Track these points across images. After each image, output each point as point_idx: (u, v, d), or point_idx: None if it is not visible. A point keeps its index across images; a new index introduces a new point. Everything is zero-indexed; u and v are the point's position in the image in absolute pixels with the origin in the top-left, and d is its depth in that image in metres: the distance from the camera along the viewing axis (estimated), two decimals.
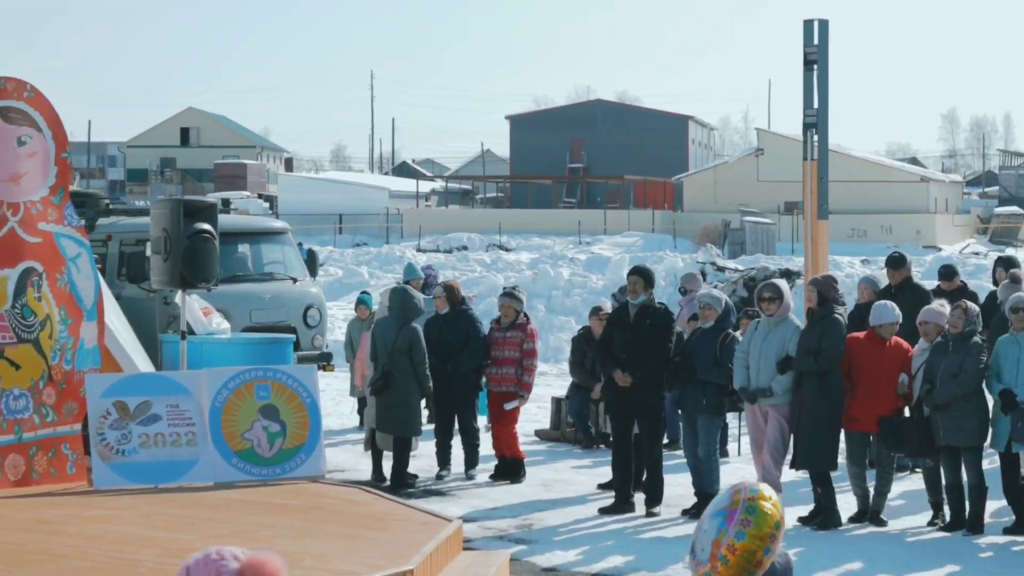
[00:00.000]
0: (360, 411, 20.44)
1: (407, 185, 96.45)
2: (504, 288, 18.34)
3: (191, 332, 15.74)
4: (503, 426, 16.88)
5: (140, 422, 13.52)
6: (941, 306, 14.66)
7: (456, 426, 17.11)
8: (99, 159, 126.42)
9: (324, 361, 21.04)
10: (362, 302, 19.46)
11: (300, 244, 22.98)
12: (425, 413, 17.80)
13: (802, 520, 14.47)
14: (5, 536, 11.41)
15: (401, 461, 16.27)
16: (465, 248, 59.53)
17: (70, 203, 13.86)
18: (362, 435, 18.64)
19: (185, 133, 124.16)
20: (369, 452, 17.11)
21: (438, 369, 16.57)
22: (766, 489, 5.14)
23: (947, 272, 18.84)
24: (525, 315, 17.22)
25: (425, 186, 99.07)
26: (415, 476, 16.47)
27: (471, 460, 16.92)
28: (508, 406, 16.82)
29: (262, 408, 13.88)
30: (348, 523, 12.00)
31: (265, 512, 12.43)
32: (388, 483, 16.20)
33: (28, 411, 13.30)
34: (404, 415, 16.10)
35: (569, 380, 19.78)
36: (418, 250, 57.86)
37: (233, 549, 4.47)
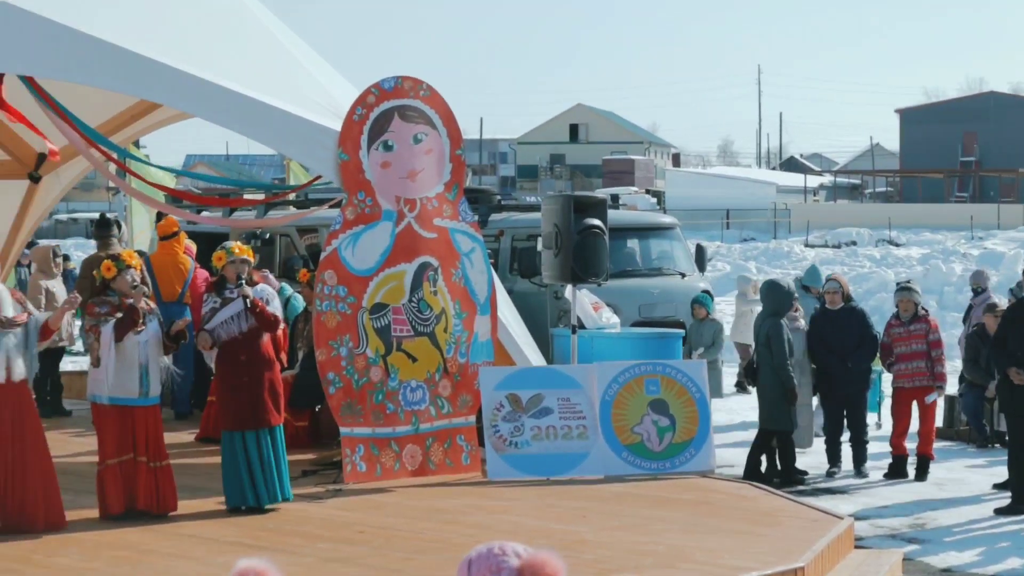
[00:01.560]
0: None
1: (795, 180, 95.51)
2: (898, 283, 17.98)
3: (581, 326, 15.87)
4: (923, 422, 16.59)
5: (532, 415, 13.73)
6: None
7: (846, 423, 16.84)
8: (491, 156, 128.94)
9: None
10: (698, 302, 19.23)
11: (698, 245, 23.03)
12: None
13: None
14: (404, 524, 11.73)
15: (786, 456, 16.09)
16: (854, 243, 58.62)
17: (464, 199, 14.15)
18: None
19: (574, 129, 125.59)
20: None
21: (834, 365, 16.38)
22: None
23: None
24: (923, 308, 16.87)
25: (813, 181, 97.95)
26: (804, 472, 16.26)
27: (860, 457, 16.62)
28: (929, 399, 16.55)
29: (652, 402, 13.93)
30: (738, 518, 11.93)
31: (655, 506, 12.45)
32: (762, 476, 16.02)
33: (425, 403, 13.63)
34: (770, 409, 15.93)
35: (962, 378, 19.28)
36: (806, 245, 57.23)
37: (515, 546, 4.39)
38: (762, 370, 15.93)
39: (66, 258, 26.63)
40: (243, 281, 12.25)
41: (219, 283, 12.37)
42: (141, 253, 17.15)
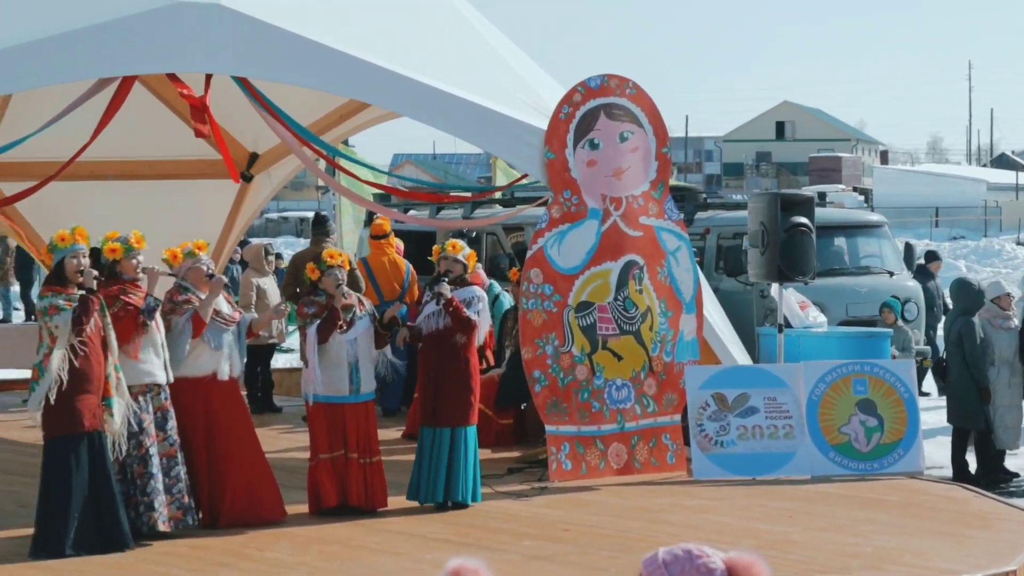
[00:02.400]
0: None
1: (1006, 177, 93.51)
2: None
3: (788, 325, 15.74)
4: None
5: (738, 414, 13.65)
6: None
7: None
8: (696, 154, 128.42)
9: (921, 356, 20.65)
10: (887, 306, 18.84)
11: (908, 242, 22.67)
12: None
13: None
14: (609, 523, 11.74)
15: (985, 455, 15.75)
16: None
17: (670, 197, 14.11)
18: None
19: (780, 127, 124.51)
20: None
21: None
22: None
23: None
24: None
25: None
26: (1015, 475, 15.92)
27: None
28: None
29: (859, 402, 13.76)
30: (947, 520, 11.74)
31: (862, 507, 12.30)
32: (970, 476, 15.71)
33: (630, 401, 13.63)
34: (961, 407, 15.63)
35: None
36: (1017, 243, 56.02)
37: (710, 548, 4.28)
38: (951, 368, 15.66)
39: (278, 256, 27.11)
40: (444, 279, 12.35)
41: (436, 279, 12.47)
42: (363, 259, 17.43)
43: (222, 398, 11.64)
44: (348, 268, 12.25)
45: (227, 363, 11.67)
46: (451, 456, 12.18)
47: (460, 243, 12.78)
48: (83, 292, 10.68)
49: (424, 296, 12.52)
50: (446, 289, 12.27)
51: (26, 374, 19.38)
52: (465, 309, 12.25)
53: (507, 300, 16.83)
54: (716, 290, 16.97)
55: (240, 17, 12.44)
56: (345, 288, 12.11)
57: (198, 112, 12.90)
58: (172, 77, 12.69)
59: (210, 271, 11.79)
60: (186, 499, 11.25)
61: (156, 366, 11.17)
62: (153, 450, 11.09)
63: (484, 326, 12.80)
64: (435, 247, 12.77)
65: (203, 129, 12.73)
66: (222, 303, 11.70)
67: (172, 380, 11.28)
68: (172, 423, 11.25)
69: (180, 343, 11.49)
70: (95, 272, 10.86)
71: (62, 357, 10.56)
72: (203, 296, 11.60)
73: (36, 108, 13.79)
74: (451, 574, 4.38)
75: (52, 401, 10.51)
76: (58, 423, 10.56)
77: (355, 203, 18.81)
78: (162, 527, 11.03)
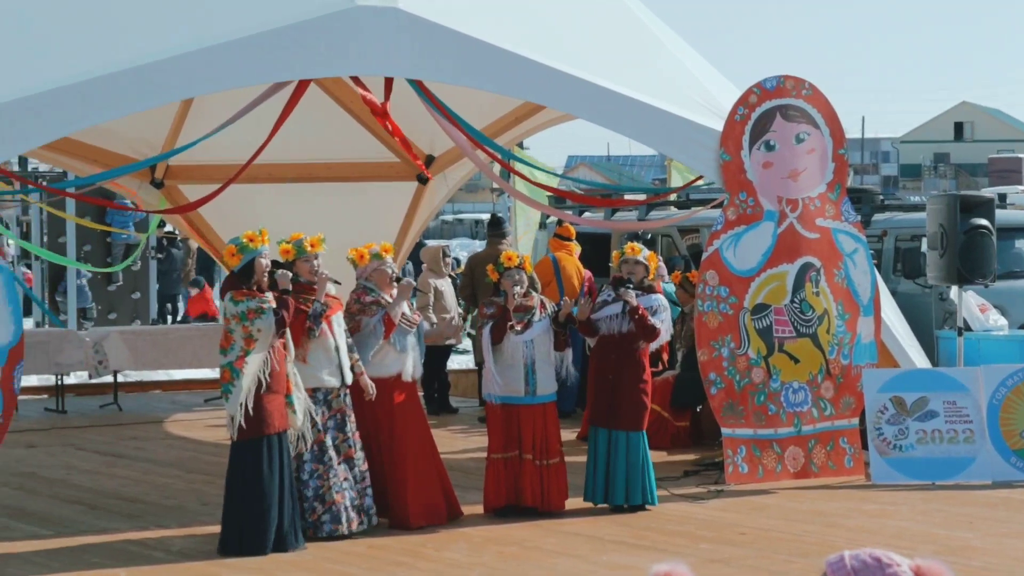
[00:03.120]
0: None
1: None
2: None
3: (967, 328, 15.49)
4: None
5: (917, 418, 13.47)
6: None
7: None
8: (872, 155, 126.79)
9: None
10: None
11: None
12: None
13: None
14: (785, 526, 11.65)
15: None
16: None
17: (846, 199, 13.97)
18: None
19: (959, 127, 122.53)
20: None
21: None
22: None
23: None
24: None
25: None
26: None
27: None
28: None
29: None
30: None
31: None
32: None
33: (807, 404, 13.51)
34: None
35: None
36: None
37: (897, 555, 4.14)
38: None
39: (457, 262, 27.33)
40: (628, 285, 12.32)
41: (618, 280, 12.47)
42: (553, 260, 17.47)
43: (404, 398, 11.77)
44: (528, 270, 12.28)
45: (411, 364, 11.79)
46: (627, 458, 12.17)
47: (639, 245, 12.75)
48: (279, 294, 10.83)
49: (601, 296, 12.49)
50: (632, 296, 12.25)
51: (205, 374, 19.85)
52: (650, 317, 12.25)
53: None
54: (894, 292, 16.75)
55: (416, 20, 12.54)
56: (527, 289, 12.16)
57: (380, 119, 13.06)
58: (356, 80, 12.85)
59: (395, 274, 11.91)
60: (364, 500, 11.36)
61: (326, 370, 11.26)
62: (332, 452, 11.22)
63: (665, 335, 12.80)
64: (615, 252, 12.76)
65: (394, 133, 12.91)
66: (403, 305, 11.81)
67: (349, 382, 11.38)
68: (351, 426, 11.36)
69: (369, 343, 11.61)
70: (290, 274, 11.00)
71: (263, 360, 10.71)
72: (388, 297, 11.72)
73: (217, 112, 14.02)
74: None
75: (250, 403, 10.67)
76: (250, 425, 10.71)
77: (529, 206, 18.85)
78: (342, 528, 11.16)
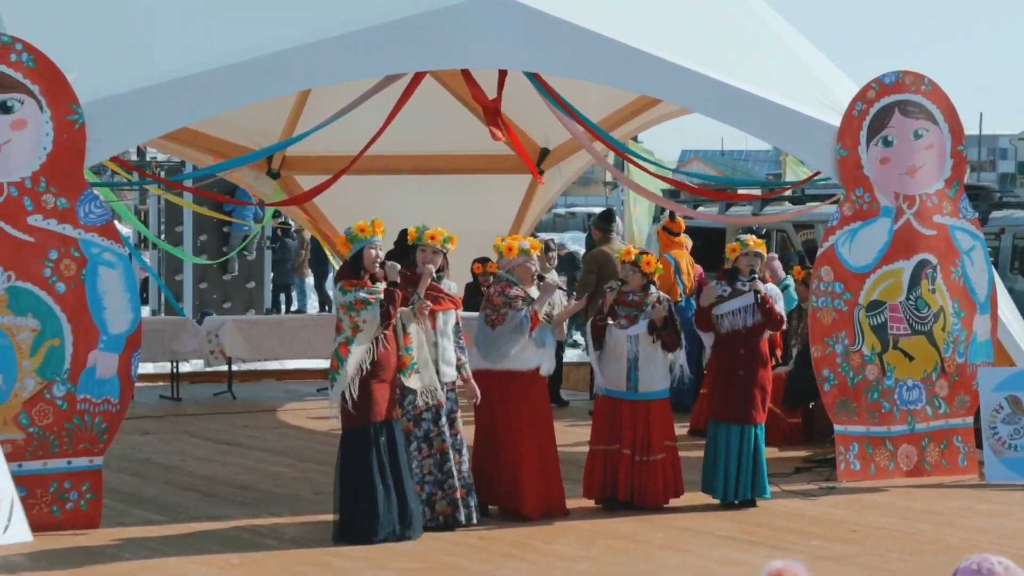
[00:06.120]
0: None
1: None
2: None
3: None
4: None
5: None
6: None
7: None
8: (990, 152, 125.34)
9: None
10: None
11: None
12: None
13: None
14: (898, 524, 11.56)
15: None
16: None
17: (964, 196, 13.82)
18: None
19: None
20: None
21: None
22: None
23: None
24: None
25: None
26: None
27: None
28: None
29: None
30: None
31: None
32: None
33: (921, 402, 13.39)
34: None
35: None
36: None
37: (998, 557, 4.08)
38: None
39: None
40: (755, 276, 12.30)
41: (731, 273, 12.44)
42: (668, 256, 17.40)
43: (539, 392, 11.80)
44: (653, 267, 12.25)
45: (548, 359, 11.82)
46: (740, 453, 12.14)
47: (757, 238, 12.70)
48: (388, 285, 10.90)
49: (717, 289, 12.42)
50: (761, 286, 12.24)
51: (318, 363, 19.99)
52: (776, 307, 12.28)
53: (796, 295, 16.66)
54: (1011, 290, 16.60)
55: (533, 13, 12.56)
56: (643, 285, 12.14)
57: (491, 115, 13.08)
58: (467, 78, 12.89)
59: (538, 272, 11.93)
60: (457, 494, 11.33)
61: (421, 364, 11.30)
62: (422, 443, 11.25)
63: (784, 324, 12.85)
64: (731, 244, 12.72)
65: (498, 133, 12.92)
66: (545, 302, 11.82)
67: (446, 380, 11.40)
68: (444, 420, 11.38)
69: (513, 337, 11.62)
70: (398, 266, 11.06)
71: (366, 350, 10.79)
72: (528, 292, 11.75)
73: (333, 103, 14.11)
74: (773, 574, 4.28)
75: (354, 393, 10.74)
76: (357, 413, 10.79)
77: (644, 199, 18.84)
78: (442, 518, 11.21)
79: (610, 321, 12.01)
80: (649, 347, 12.01)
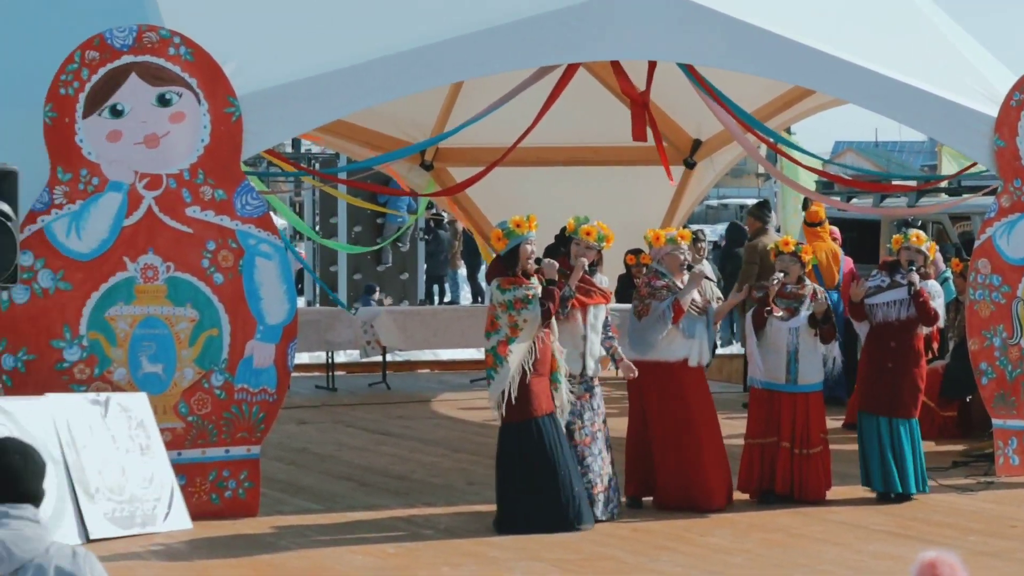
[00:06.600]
0: None
1: None
2: None
3: None
4: None
5: None
6: None
7: None
8: None
9: None
10: None
11: None
12: None
13: None
14: None
15: None
16: None
17: None
18: None
19: None
20: None
21: None
22: None
23: None
24: None
25: None
26: None
27: None
28: None
29: None
30: None
31: None
32: None
33: None
34: None
35: None
36: None
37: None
38: None
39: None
40: (913, 269, 12.14)
41: (891, 265, 12.32)
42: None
43: (691, 384, 11.75)
44: (808, 259, 12.17)
45: (697, 350, 11.77)
46: (909, 446, 12.02)
47: (924, 235, 12.56)
48: (546, 283, 10.91)
49: (874, 281, 12.29)
50: (917, 279, 12.09)
51: (472, 354, 20.09)
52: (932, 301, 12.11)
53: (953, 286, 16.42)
54: None
55: (685, 4, 12.51)
56: (800, 276, 12.06)
57: (638, 108, 13.06)
58: (617, 71, 12.88)
59: (687, 261, 11.90)
60: (596, 489, 11.30)
61: (569, 356, 11.27)
62: (577, 437, 11.27)
63: (939, 322, 12.66)
64: (896, 236, 12.59)
65: (641, 135, 12.92)
66: (694, 292, 11.79)
67: (592, 374, 11.40)
68: (589, 414, 11.37)
69: (657, 328, 11.61)
70: (556, 264, 11.07)
71: (527, 349, 10.81)
72: (677, 283, 11.73)
73: (486, 95, 14.18)
74: (926, 565, 4.25)
75: (514, 392, 10.77)
76: (517, 408, 10.81)
77: (796, 191, 18.67)
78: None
79: (777, 313, 11.93)
80: (809, 339, 11.94)
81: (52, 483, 9.91)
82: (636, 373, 11.50)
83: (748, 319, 12.09)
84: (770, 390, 11.97)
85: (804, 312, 11.95)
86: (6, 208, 10.42)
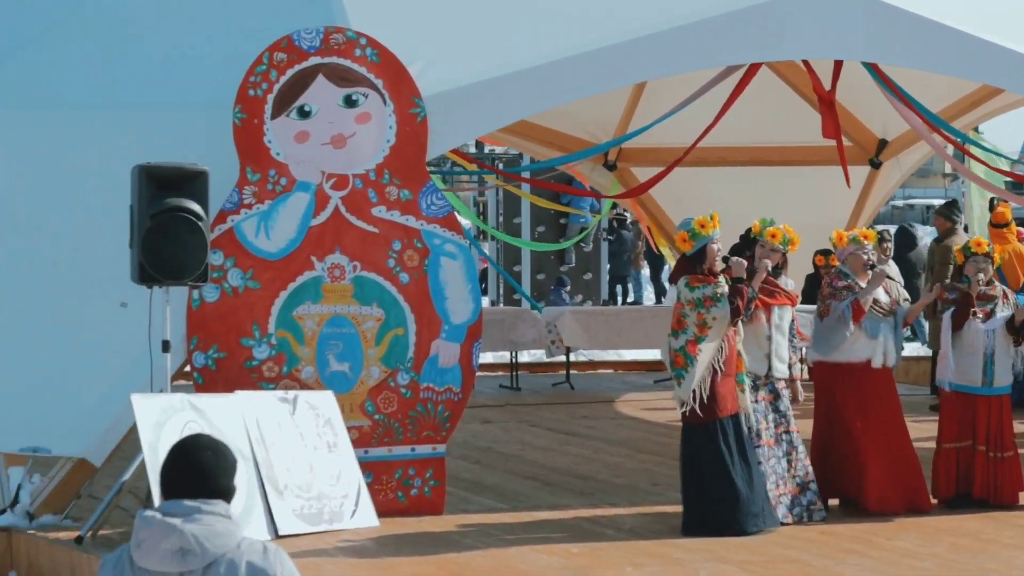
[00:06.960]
0: None
1: None
2: None
3: None
4: None
5: None
6: None
7: None
8: None
9: None
10: None
11: None
12: None
13: None
14: None
15: None
16: None
17: None
18: None
19: None
20: None
21: None
22: None
23: None
24: None
25: None
26: None
27: None
28: None
29: None
30: None
31: None
32: None
33: None
34: None
35: None
36: None
37: None
38: None
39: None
40: None
41: None
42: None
43: (875, 385, 11.61)
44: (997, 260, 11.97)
45: (882, 351, 11.62)
46: None
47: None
48: (734, 282, 10.85)
49: None
50: None
51: (655, 355, 20.03)
52: None
53: None
54: None
55: (871, 2, 12.36)
56: (991, 279, 11.87)
57: (827, 107, 12.94)
58: (808, 68, 12.77)
59: (871, 261, 11.76)
60: (779, 491, 11.18)
61: (753, 357, 11.17)
62: (764, 438, 11.18)
63: None
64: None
65: (831, 133, 12.79)
66: (880, 292, 11.65)
67: (779, 376, 11.31)
68: (774, 416, 11.28)
69: (838, 328, 11.51)
70: (744, 263, 11.01)
71: (717, 348, 10.76)
72: (861, 283, 11.61)
73: (669, 94, 14.15)
74: None
75: (704, 392, 10.74)
76: (703, 409, 10.76)
77: (986, 191, 18.38)
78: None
79: (978, 315, 11.74)
80: (1004, 341, 11.73)
81: (242, 479, 10.09)
82: (800, 401, 11.41)
83: (946, 320, 11.86)
84: (963, 393, 11.78)
85: (1000, 314, 11.74)
86: (197, 208, 10.61)
